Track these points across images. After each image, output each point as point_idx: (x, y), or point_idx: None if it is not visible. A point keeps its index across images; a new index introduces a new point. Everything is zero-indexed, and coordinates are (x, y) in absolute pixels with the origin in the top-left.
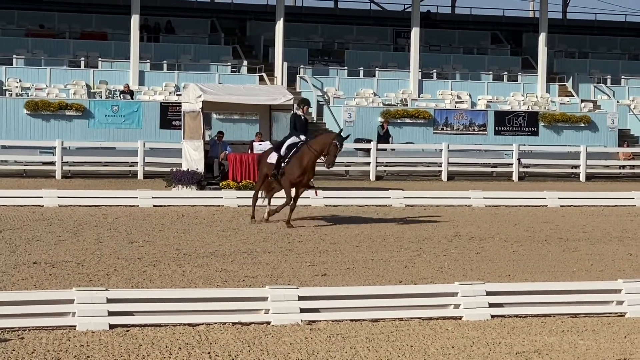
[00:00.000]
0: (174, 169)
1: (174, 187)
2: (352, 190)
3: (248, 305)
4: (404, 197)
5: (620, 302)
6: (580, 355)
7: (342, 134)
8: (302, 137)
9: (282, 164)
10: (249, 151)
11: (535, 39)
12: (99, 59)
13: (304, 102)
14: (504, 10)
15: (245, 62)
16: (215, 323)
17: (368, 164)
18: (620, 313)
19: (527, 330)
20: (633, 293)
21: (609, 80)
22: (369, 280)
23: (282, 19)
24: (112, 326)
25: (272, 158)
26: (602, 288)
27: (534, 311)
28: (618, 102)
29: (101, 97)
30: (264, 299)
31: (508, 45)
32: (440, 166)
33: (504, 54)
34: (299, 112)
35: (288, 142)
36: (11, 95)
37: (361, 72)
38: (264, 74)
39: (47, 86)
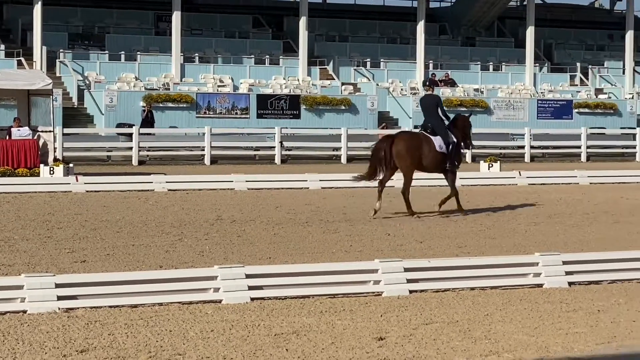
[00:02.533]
0: None
1: None
2: (114, 176)
3: (2, 295)
4: (167, 182)
5: (377, 282)
6: (337, 335)
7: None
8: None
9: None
10: (7, 137)
11: (296, 22)
12: None
13: (433, 83)
14: None
15: (2, 47)
16: None
17: (130, 148)
18: (377, 292)
19: (286, 312)
20: (389, 272)
21: (368, 64)
22: (130, 265)
23: (40, 2)
24: None
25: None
26: (360, 268)
27: (293, 293)
28: (377, 84)
29: None
30: (20, 287)
31: (269, 29)
32: (204, 150)
33: (266, 38)
34: (430, 92)
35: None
36: None
37: (122, 56)
38: (22, 59)
39: None
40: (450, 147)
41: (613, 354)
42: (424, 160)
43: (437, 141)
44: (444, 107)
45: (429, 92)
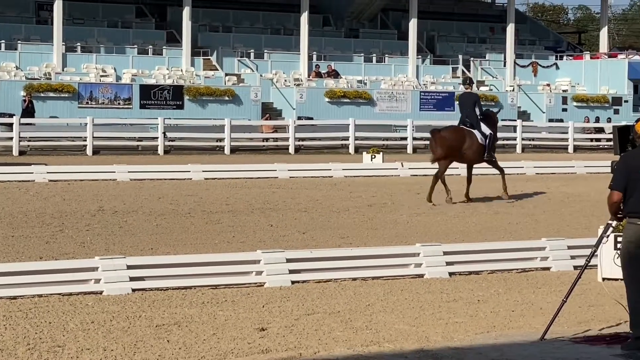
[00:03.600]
0: None
1: None
2: None
3: None
4: (47, 172)
5: (259, 273)
6: (219, 326)
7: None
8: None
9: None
10: None
11: (179, 13)
12: None
13: (471, 82)
14: None
15: None
16: None
17: (10, 139)
18: (260, 283)
19: (167, 303)
20: (271, 263)
21: (252, 54)
22: (9, 257)
23: None
24: None
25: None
26: (242, 259)
27: (175, 284)
28: (261, 75)
29: None
30: None
31: (153, 19)
32: (85, 140)
33: (149, 28)
34: (469, 90)
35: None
36: None
37: (2, 45)
38: None
39: None
40: (488, 139)
41: (492, 343)
42: (468, 151)
43: (478, 135)
44: (481, 104)
45: (468, 90)
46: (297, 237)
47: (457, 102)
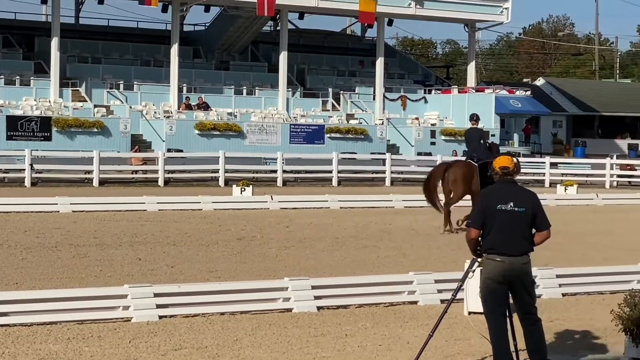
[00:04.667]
0: None
1: None
2: None
3: None
4: None
5: (126, 307)
6: None
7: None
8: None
9: None
10: None
11: (47, 43)
12: None
13: (477, 118)
14: (16, 14)
15: None
16: None
17: None
18: (127, 318)
19: (32, 339)
20: (139, 298)
21: (121, 86)
22: None
23: None
24: None
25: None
26: (108, 294)
27: (40, 319)
28: (131, 107)
29: None
30: None
31: (20, 50)
32: None
33: (17, 58)
34: (475, 125)
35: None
36: None
37: None
38: None
39: None
40: None
41: None
42: (474, 187)
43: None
44: (486, 139)
45: (475, 126)
46: (165, 271)
47: (464, 137)
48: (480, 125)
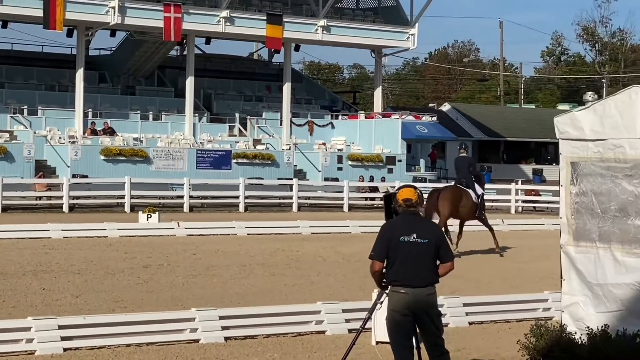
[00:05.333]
0: None
1: None
2: None
3: None
4: None
5: (30, 340)
6: None
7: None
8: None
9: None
10: None
11: None
12: None
13: (466, 147)
14: None
15: None
16: None
17: None
18: (30, 351)
19: None
20: (42, 330)
21: (25, 111)
22: None
23: None
24: None
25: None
26: (11, 326)
27: None
28: (35, 132)
29: None
30: None
31: None
32: None
33: None
34: (464, 154)
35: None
36: None
37: None
38: None
39: None
40: (480, 198)
41: None
42: (462, 209)
43: (472, 194)
44: (475, 166)
45: (463, 154)
46: (70, 301)
47: (454, 164)
48: (386, 151)
